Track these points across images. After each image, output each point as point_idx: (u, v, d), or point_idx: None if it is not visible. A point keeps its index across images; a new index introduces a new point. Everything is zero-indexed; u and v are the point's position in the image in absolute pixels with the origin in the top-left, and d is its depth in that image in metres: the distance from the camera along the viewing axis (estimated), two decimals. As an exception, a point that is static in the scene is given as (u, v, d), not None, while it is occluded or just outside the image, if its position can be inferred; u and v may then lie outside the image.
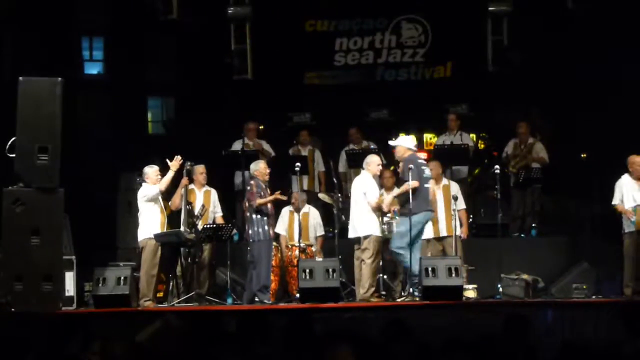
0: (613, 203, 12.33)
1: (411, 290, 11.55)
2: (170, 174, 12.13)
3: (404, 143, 11.97)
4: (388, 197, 12.20)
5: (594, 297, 12.17)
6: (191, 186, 12.89)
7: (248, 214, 12.42)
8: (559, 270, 13.28)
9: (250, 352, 5.25)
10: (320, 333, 5.36)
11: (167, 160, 12.12)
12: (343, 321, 9.91)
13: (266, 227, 12.33)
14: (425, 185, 11.68)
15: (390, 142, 12.25)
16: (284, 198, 12.70)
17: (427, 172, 11.80)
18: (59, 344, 6.66)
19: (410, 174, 11.46)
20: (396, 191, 11.98)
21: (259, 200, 12.26)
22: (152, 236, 12.07)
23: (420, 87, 16.60)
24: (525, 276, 12.46)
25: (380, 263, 12.13)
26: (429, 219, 11.85)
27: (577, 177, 14.69)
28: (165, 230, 12.24)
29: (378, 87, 16.80)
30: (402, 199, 11.79)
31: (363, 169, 12.33)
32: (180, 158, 12.15)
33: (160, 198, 12.29)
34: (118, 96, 15.42)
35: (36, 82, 10.78)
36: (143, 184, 12.40)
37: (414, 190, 11.45)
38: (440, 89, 16.42)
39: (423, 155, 12.31)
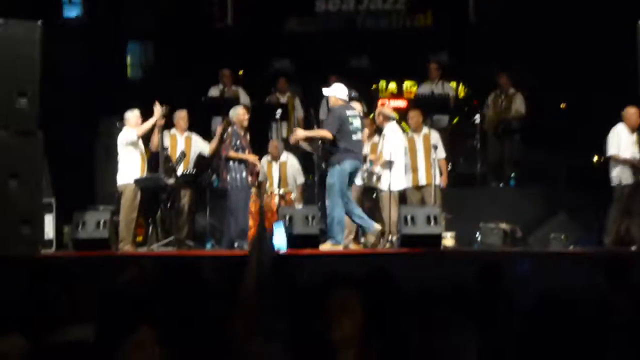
0: (610, 153, 11.84)
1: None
2: (151, 121, 12.11)
3: (335, 93, 11.88)
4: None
5: (571, 247, 12.23)
6: (173, 131, 12.88)
7: (225, 161, 12.41)
8: (537, 220, 13.32)
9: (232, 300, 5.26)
10: (305, 279, 5.37)
11: (156, 105, 12.11)
12: (322, 268, 9.94)
13: (244, 174, 12.31)
14: (354, 137, 11.53)
15: (324, 91, 12.15)
16: (257, 164, 12.57)
17: (356, 123, 11.61)
18: (37, 287, 6.65)
19: (330, 124, 11.47)
20: (308, 132, 12.10)
21: (231, 153, 12.24)
22: (132, 181, 12.06)
23: (401, 36, 16.52)
24: (503, 225, 12.52)
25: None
26: (355, 168, 11.64)
27: (556, 128, 14.71)
28: (144, 175, 12.24)
29: (359, 34, 16.71)
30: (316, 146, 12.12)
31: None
32: (160, 106, 12.12)
33: (140, 143, 12.26)
34: (97, 40, 15.25)
35: (14, 24, 10.65)
36: (123, 128, 12.37)
37: (333, 141, 11.41)
38: (420, 38, 16.34)
39: (357, 106, 12.19)
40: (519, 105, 14.33)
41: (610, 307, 4.99)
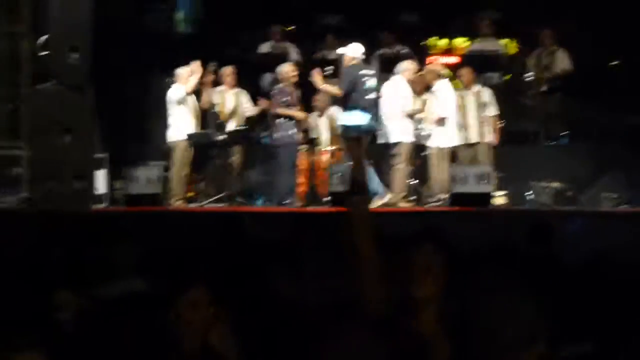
0: None
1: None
2: (195, 77, 12.17)
3: (350, 52, 11.89)
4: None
5: (624, 206, 12.10)
6: (221, 88, 12.89)
7: (274, 118, 12.42)
8: (589, 179, 13.18)
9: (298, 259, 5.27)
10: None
11: (196, 63, 12.15)
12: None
13: (292, 131, 12.34)
14: (367, 97, 11.63)
15: (339, 50, 12.25)
16: (303, 116, 12.61)
17: (370, 83, 11.69)
18: (89, 242, 6.72)
19: (342, 82, 11.62)
20: (321, 84, 12.13)
21: (279, 110, 12.28)
22: (183, 137, 12.12)
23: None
24: (555, 184, 12.41)
25: (411, 169, 12.13)
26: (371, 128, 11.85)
27: (608, 85, 14.50)
28: (196, 131, 12.30)
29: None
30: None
31: (395, 73, 12.30)
32: (203, 66, 12.19)
33: (191, 99, 12.32)
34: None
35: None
36: (173, 85, 12.42)
37: (343, 99, 11.56)
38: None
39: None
40: (562, 61, 14.11)
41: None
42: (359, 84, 11.47)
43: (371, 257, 3.60)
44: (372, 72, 11.73)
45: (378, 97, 11.90)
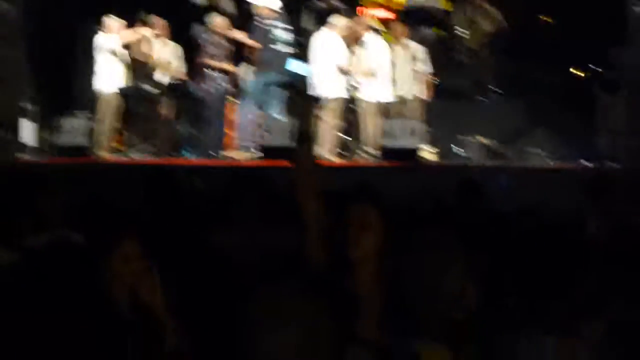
0: None
1: None
2: (135, 33, 12.10)
3: (265, 3, 12.12)
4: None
5: (552, 162, 12.27)
6: (153, 39, 12.74)
7: (204, 70, 12.33)
8: (519, 134, 13.32)
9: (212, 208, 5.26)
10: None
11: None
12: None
13: (222, 83, 12.28)
14: (273, 46, 11.96)
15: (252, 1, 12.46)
16: (232, 68, 12.56)
17: (278, 33, 11.85)
18: (14, 193, 6.62)
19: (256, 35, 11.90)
20: (241, 37, 12.32)
21: (205, 60, 12.24)
22: (112, 87, 12.00)
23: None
24: (483, 139, 12.52)
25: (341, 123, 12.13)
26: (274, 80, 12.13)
27: (540, 42, 14.63)
28: (124, 82, 12.18)
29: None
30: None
31: (327, 26, 12.25)
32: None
33: (120, 50, 12.19)
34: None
35: None
36: (100, 32, 12.28)
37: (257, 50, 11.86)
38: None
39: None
40: (493, 17, 14.17)
41: (585, 226, 5.02)
42: (266, 34, 11.60)
43: (316, 212, 3.56)
44: (286, 25, 11.89)
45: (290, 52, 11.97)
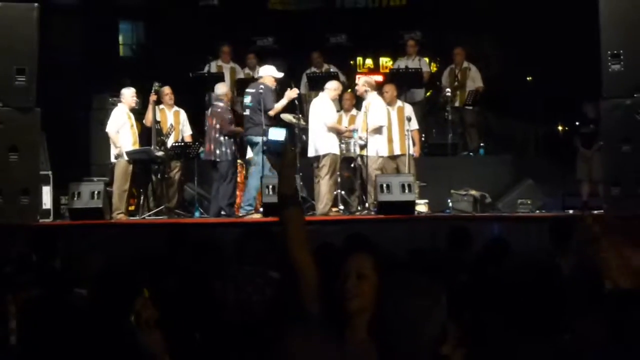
0: None
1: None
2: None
3: (270, 72, 12.34)
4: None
5: (537, 212, 12.34)
6: (161, 106, 12.92)
7: (217, 135, 12.46)
8: (505, 187, 13.41)
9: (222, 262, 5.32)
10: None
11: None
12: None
13: (233, 148, 12.45)
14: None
15: (260, 70, 12.76)
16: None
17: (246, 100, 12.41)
18: (37, 254, 6.70)
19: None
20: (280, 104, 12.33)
21: (231, 128, 12.41)
22: (124, 153, 12.12)
23: (377, 15, 16.66)
24: (473, 192, 12.59)
25: (338, 180, 12.23)
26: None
27: (523, 100, 14.80)
28: (136, 147, 12.32)
29: (338, 13, 16.84)
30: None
31: (323, 91, 12.50)
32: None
33: (131, 118, 12.37)
34: (90, 20, 15.24)
35: (13, 7, 10.78)
36: (119, 104, 12.49)
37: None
38: (395, 17, 16.47)
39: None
40: (474, 78, 14.34)
41: (557, 269, 5.08)
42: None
43: (308, 267, 3.52)
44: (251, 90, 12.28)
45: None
